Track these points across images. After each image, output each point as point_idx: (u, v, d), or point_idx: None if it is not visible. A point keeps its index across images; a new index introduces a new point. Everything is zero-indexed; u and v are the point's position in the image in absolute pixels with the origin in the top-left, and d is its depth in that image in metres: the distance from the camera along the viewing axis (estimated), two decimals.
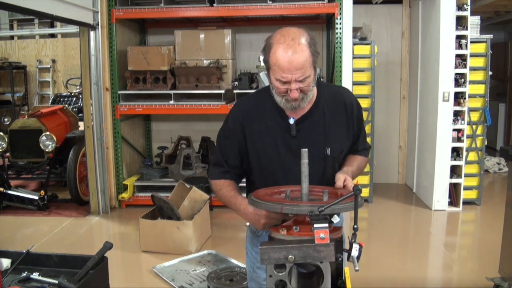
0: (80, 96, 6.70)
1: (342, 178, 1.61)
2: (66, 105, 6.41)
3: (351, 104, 1.79)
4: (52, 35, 8.78)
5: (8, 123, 7.08)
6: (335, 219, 1.55)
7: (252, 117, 1.76)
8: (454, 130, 4.83)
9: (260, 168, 1.77)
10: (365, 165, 1.94)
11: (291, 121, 1.69)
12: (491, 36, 4.91)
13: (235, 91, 4.89)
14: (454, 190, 4.97)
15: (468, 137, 4.93)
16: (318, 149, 1.72)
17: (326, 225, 1.32)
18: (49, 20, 8.13)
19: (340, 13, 4.68)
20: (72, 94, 7.27)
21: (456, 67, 4.72)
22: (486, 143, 5.14)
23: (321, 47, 5.67)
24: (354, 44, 4.95)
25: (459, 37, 4.70)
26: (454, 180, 4.89)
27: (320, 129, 1.73)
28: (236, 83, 4.92)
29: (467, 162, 4.95)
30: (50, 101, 7.65)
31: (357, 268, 1.36)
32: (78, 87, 7.25)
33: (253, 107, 1.78)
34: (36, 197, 4.98)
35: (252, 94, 1.89)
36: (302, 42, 1.55)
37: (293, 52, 1.54)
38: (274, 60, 1.58)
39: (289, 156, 1.69)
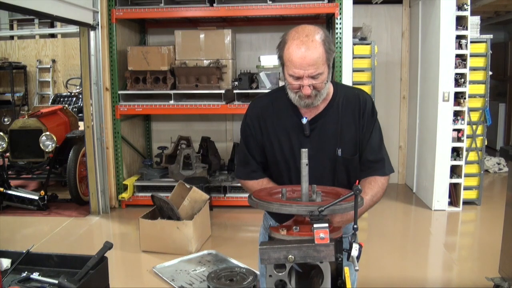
0: (80, 96, 6.70)
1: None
2: (66, 105, 6.42)
3: (365, 105, 1.76)
4: (52, 35, 8.77)
5: (8, 123, 7.09)
6: None
7: (268, 114, 1.77)
8: (454, 130, 4.83)
9: (276, 165, 1.79)
10: (384, 188, 1.74)
11: (304, 120, 1.69)
12: (491, 36, 4.91)
13: (235, 91, 4.89)
14: (454, 190, 4.97)
15: (468, 137, 4.93)
16: (330, 150, 1.72)
17: (326, 225, 1.32)
18: (49, 20, 8.13)
19: (340, 13, 4.68)
20: (72, 94, 7.27)
21: (456, 67, 4.72)
22: (486, 143, 5.14)
23: None
24: (354, 44, 4.95)
25: (459, 37, 4.70)
26: (454, 180, 4.89)
27: (332, 129, 1.73)
28: (236, 83, 4.92)
29: (467, 162, 4.95)
30: (50, 101, 7.64)
31: (357, 268, 1.36)
32: (78, 87, 7.26)
33: (269, 105, 1.79)
34: (36, 197, 4.98)
35: (268, 92, 1.90)
36: (316, 39, 1.56)
37: (306, 48, 1.54)
38: (287, 56, 1.58)
39: None
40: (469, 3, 4.66)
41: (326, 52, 1.58)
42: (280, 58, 1.65)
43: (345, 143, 1.73)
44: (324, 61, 1.58)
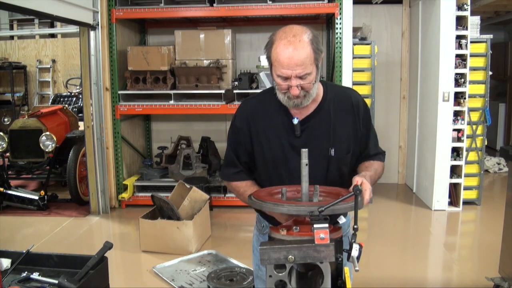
0: (80, 96, 6.70)
1: (359, 180, 1.51)
2: (66, 105, 6.42)
3: (357, 104, 1.77)
4: (52, 35, 8.78)
5: (8, 123, 7.09)
6: (341, 220, 1.55)
7: (258, 116, 1.76)
8: (454, 130, 4.83)
9: (266, 166, 1.78)
10: (382, 170, 1.84)
11: (295, 121, 1.68)
12: (491, 36, 4.91)
13: (235, 91, 4.89)
14: (454, 190, 4.97)
15: (468, 137, 4.93)
16: (322, 150, 1.71)
17: (326, 225, 1.32)
18: (49, 20, 8.13)
19: (340, 13, 4.68)
20: (72, 94, 7.28)
21: (456, 67, 4.72)
22: (486, 143, 5.14)
23: None
24: (354, 44, 4.95)
25: (459, 37, 4.70)
26: (454, 180, 4.89)
27: (324, 129, 1.72)
28: (236, 83, 4.92)
29: (467, 162, 4.95)
30: (50, 101, 7.65)
31: (357, 268, 1.35)
32: (78, 87, 7.26)
33: (258, 106, 1.78)
34: (36, 197, 4.98)
35: (258, 94, 1.89)
36: (303, 39, 1.56)
37: (293, 49, 1.54)
38: (275, 56, 1.58)
39: (293, 155, 1.68)
40: (469, 3, 4.66)
41: (314, 52, 1.57)
42: (268, 58, 1.64)
43: (338, 142, 1.73)
44: (312, 61, 1.57)
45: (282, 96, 1.65)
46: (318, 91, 1.70)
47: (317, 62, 1.60)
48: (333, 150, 1.72)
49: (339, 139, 1.73)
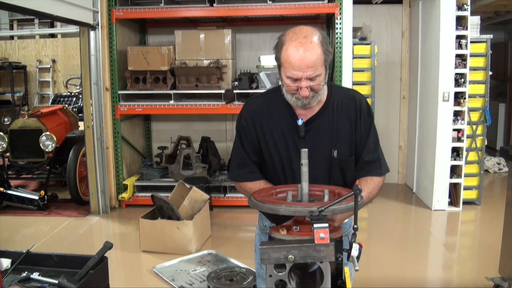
0: (80, 96, 6.70)
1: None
2: (66, 105, 6.41)
3: (360, 105, 1.75)
4: (52, 35, 8.78)
5: (8, 123, 7.09)
6: None
7: (263, 115, 1.76)
8: (454, 130, 4.83)
9: (272, 165, 1.77)
10: (380, 187, 1.77)
11: (300, 122, 1.68)
12: (491, 36, 4.91)
13: (235, 91, 4.89)
14: (454, 190, 4.97)
15: (468, 137, 4.93)
16: (325, 151, 1.71)
17: (326, 225, 1.32)
18: (49, 20, 8.13)
19: (340, 13, 4.68)
20: (72, 94, 7.27)
21: (456, 67, 4.72)
22: (486, 143, 5.14)
23: None
24: (354, 44, 4.95)
25: (459, 37, 4.70)
26: (454, 180, 4.89)
27: (328, 130, 1.72)
28: (236, 83, 4.92)
29: (467, 162, 4.95)
30: (50, 101, 7.65)
31: (357, 268, 1.36)
32: (78, 87, 7.26)
33: (264, 106, 1.78)
34: (36, 197, 4.98)
35: (263, 93, 1.88)
36: (314, 40, 1.55)
37: (304, 50, 1.53)
38: (285, 57, 1.57)
39: (297, 156, 1.68)
40: (469, 3, 4.66)
41: (324, 53, 1.57)
42: (277, 59, 1.63)
43: (341, 144, 1.73)
44: (322, 62, 1.57)
45: (290, 96, 1.65)
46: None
47: (326, 63, 1.60)
48: (336, 151, 1.72)
49: (342, 140, 1.73)
